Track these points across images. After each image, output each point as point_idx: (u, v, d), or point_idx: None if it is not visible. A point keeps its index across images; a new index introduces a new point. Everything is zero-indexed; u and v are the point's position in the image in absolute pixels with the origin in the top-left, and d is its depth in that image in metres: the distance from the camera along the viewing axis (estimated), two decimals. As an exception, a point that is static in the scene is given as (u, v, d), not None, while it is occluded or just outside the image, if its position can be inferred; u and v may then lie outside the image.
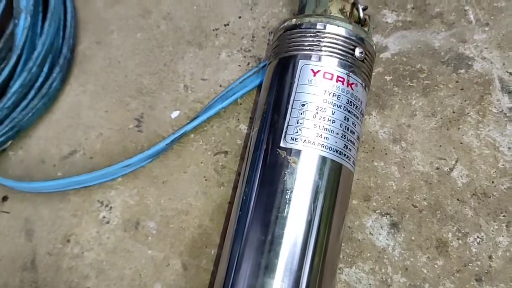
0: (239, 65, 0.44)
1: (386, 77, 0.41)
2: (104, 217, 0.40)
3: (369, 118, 0.40)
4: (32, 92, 0.42)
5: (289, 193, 0.30)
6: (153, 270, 0.38)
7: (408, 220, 0.37)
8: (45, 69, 0.43)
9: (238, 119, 0.42)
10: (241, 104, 0.42)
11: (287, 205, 0.30)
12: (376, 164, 0.39)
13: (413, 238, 0.36)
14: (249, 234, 0.31)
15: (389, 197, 0.38)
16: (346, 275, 0.36)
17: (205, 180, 0.40)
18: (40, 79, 0.43)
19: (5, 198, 0.42)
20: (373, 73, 0.41)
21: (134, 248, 0.39)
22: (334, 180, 0.32)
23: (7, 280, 0.40)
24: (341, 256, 0.36)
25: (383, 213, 0.37)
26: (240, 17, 0.45)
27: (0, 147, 0.43)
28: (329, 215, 0.31)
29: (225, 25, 0.45)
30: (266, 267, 0.29)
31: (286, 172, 0.31)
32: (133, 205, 0.41)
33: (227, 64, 0.44)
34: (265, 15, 0.45)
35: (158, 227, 0.40)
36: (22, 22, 0.41)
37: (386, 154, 0.39)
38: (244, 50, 0.44)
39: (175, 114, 0.43)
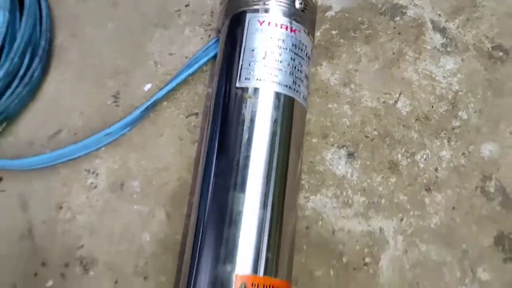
0: (201, 38, 0.48)
1: (332, 31, 0.46)
2: (91, 183, 0.44)
3: (320, 68, 0.45)
4: (16, 81, 0.46)
5: (248, 123, 0.35)
6: (140, 223, 0.42)
7: (362, 149, 0.41)
8: (26, 60, 0.47)
9: (205, 84, 0.46)
10: (206, 71, 0.47)
11: (247, 133, 0.34)
12: (330, 106, 0.43)
13: (368, 163, 0.41)
14: (220, 158, 0.35)
15: (344, 132, 0.42)
16: (312, 202, 0.40)
17: (180, 140, 0.45)
18: (22, 69, 0.47)
19: (0, 179, 0.46)
20: (321, 30, 0.46)
21: (121, 206, 0.43)
22: (288, 111, 0.36)
23: (7, 251, 0.43)
24: (306, 186, 0.41)
25: (340, 146, 0.42)
26: (199, -3, 0.50)
27: (-10, 134, 0.47)
28: (287, 141, 0.35)
29: (185, 6, 0.50)
30: (235, 184, 0.33)
31: (243, 106, 0.35)
32: (117, 169, 0.45)
33: (191, 38, 0.48)
34: (221, -7, 0.50)
35: (141, 186, 0.44)
36: (1, 18, 0.46)
37: (338, 96, 0.43)
38: (205, 25, 0.49)
39: (147, 86, 0.47)
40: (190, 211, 0.42)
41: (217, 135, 0.36)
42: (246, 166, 0.34)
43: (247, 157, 0.34)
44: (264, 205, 0.33)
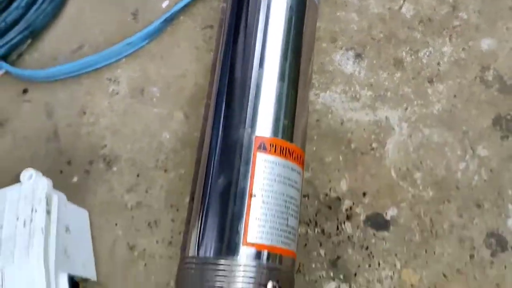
0: (216, -41, 0.51)
1: (339, -51, 0.48)
2: (113, 90, 0.47)
3: (329, -18, 0.47)
4: (41, -2, 0.49)
5: (264, 10, 0.38)
6: (160, 123, 0.45)
7: (369, 50, 0.44)
8: (50, -22, 0.50)
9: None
10: (221, -12, 0.50)
11: (264, 17, 0.37)
12: (338, 14, 0.46)
13: (374, 62, 0.43)
14: (239, 40, 0.37)
15: (352, 36, 0.45)
16: (322, 98, 0.43)
17: (196, 49, 0.47)
18: (47, -13, 0.50)
19: (25, 91, 0.49)
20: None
21: (141, 109, 0.46)
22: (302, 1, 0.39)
23: (34, 152, 0.46)
24: (316, 84, 0.43)
25: (348, 49, 0.44)
26: None
27: (17, 48, 0.49)
28: (301, 26, 0.38)
29: None
30: (253, 61, 0.36)
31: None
32: (137, 77, 0.47)
33: (206, -40, 0.51)
34: None
35: (160, 91, 0.46)
36: None
37: (346, 5, 0.46)
38: None
39: (165, 3, 0.50)
40: (206, 113, 0.44)
41: (235, 24, 0.38)
42: (264, 45, 0.36)
43: (264, 37, 0.37)
44: (281, 78, 0.36)
